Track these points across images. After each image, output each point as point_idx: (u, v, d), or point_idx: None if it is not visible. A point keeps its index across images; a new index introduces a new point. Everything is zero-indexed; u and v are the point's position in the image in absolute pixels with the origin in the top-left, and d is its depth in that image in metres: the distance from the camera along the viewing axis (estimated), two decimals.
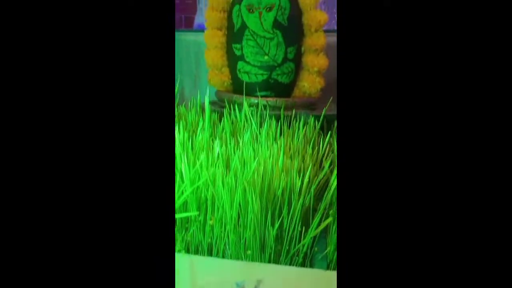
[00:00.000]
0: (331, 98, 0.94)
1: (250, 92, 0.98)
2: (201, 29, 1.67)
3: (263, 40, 0.95)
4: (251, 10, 0.94)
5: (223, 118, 0.84)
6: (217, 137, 0.73)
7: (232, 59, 1.00)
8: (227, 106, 0.92)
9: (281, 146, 0.68)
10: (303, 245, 0.62)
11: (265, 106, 0.93)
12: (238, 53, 0.97)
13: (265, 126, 0.74)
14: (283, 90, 1.01)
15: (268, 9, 0.93)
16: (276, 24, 0.95)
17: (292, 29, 0.97)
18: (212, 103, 1.04)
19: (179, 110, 0.92)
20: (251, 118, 0.80)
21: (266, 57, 0.96)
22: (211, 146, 0.69)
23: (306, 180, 0.63)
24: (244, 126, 0.82)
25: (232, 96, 0.97)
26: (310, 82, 1.01)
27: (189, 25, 2.16)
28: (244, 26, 0.96)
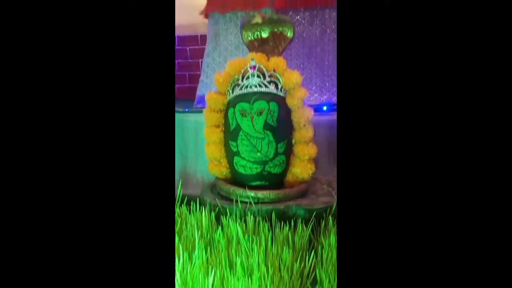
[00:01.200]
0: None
1: (246, 182, 1.10)
2: (201, 106, 1.78)
3: (255, 140, 1.06)
4: (244, 115, 1.05)
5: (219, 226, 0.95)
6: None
7: (229, 154, 1.12)
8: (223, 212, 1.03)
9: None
10: None
11: (258, 200, 1.04)
12: (234, 149, 1.09)
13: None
14: (276, 179, 1.12)
15: (259, 113, 1.04)
16: (267, 126, 1.06)
17: (281, 128, 1.08)
18: (211, 188, 1.16)
19: (181, 210, 1.04)
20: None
21: (259, 154, 1.07)
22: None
23: None
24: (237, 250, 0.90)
25: (230, 188, 1.08)
26: (302, 168, 1.12)
27: (193, 81, 2.28)
28: (238, 128, 1.07)
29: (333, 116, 1.37)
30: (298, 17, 1.72)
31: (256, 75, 1.05)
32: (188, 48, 2.67)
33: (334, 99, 1.75)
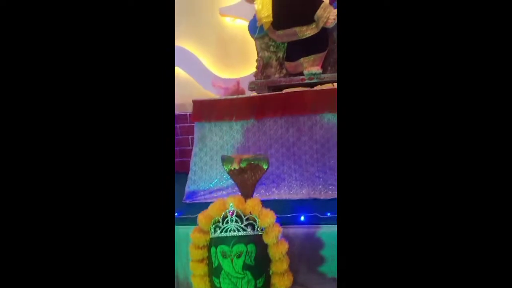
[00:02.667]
0: None
1: None
2: (190, 201, 1.90)
3: (236, 279, 1.17)
4: (224, 256, 1.17)
5: None
6: None
7: (213, 286, 1.22)
8: None
9: None
10: None
11: None
12: (217, 285, 1.20)
13: None
14: None
15: (238, 256, 1.17)
16: (245, 266, 1.17)
17: (259, 265, 1.19)
18: None
19: None
20: None
21: None
22: None
23: None
24: None
25: None
26: None
27: (184, 155, 2.38)
28: (220, 267, 1.19)
29: (311, 229, 1.49)
30: (277, 123, 1.89)
31: (234, 220, 1.18)
32: (178, 126, 2.83)
33: (313, 195, 1.89)
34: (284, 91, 1.89)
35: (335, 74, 1.89)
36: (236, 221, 1.19)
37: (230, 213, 1.18)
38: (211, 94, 2.74)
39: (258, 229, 1.21)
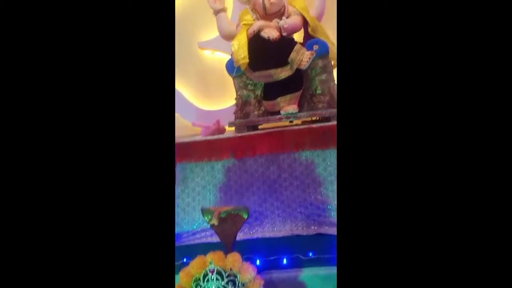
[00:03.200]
0: None
1: None
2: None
3: None
4: None
5: None
6: None
7: None
8: None
9: None
10: None
11: None
12: None
13: None
14: None
15: None
16: None
17: None
18: None
19: None
20: None
21: None
22: None
23: None
24: None
25: None
26: None
27: None
28: None
29: (293, 273, 1.52)
30: (257, 162, 1.92)
31: (215, 278, 1.20)
32: None
33: (296, 231, 1.91)
34: (263, 130, 1.92)
35: (311, 112, 1.94)
36: (217, 279, 1.20)
37: (211, 272, 1.20)
38: (193, 128, 2.76)
39: (240, 284, 1.23)
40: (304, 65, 1.80)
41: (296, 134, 1.81)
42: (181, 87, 2.85)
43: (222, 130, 2.10)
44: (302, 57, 1.80)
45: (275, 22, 1.92)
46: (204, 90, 2.82)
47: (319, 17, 2.09)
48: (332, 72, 2.00)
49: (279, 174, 1.89)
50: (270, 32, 1.83)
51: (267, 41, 1.83)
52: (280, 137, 1.83)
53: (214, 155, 1.88)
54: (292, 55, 1.79)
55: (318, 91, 1.99)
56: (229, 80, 2.43)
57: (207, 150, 1.89)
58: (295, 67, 1.80)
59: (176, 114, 2.79)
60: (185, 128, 2.65)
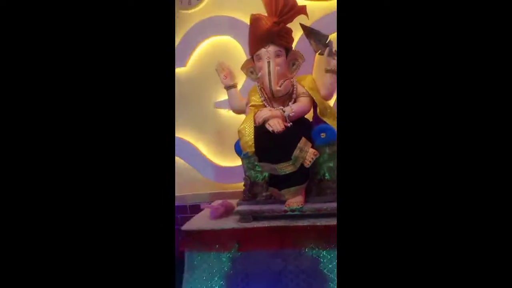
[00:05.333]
0: None
1: None
2: None
3: None
4: None
5: None
6: None
7: None
8: None
9: None
10: None
11: None
12: None
13: None
14: None
15: None
16: None
17: None
18: None
19: None
20: None
21: None
22: None
23: None
24: None
25: None
26: None
27: None
28: None
29: None
30: (262, 254, 1.91)
31: None
32: (179, 216, 2.91)
33: None
34: (268, 222, 1.91)
35: (317, 205, 1.89)
36: None
37: None
38: (209, 180, 2.80)
39: None
40: (308, 164, 1.74)
41: (300, 232, 1.77)
42: (197, 143, 2.90)
43: (231, 211, 2.11)
44: (305, 155, 1.75)
45: (280, 111, 1.87)
46: (219, 145, 2.84)
47: (329, 96, 2.01)
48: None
49: (285, 265, 1.87)
50: (275, 125, 1.79)
51: (271, 134, 1.79)
52: (284, 233, 1.80)
53: (220, 246, 1.91)
54: (296, 152, 1.75)
55: (327, 177, 1.93)
56: None
57: (214, 240, 1.91)
58: (298, 165, 1.76)
59: (192, 168, 2.89)
60: (202, 183, 2.72)
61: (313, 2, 2.36)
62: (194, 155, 2.91)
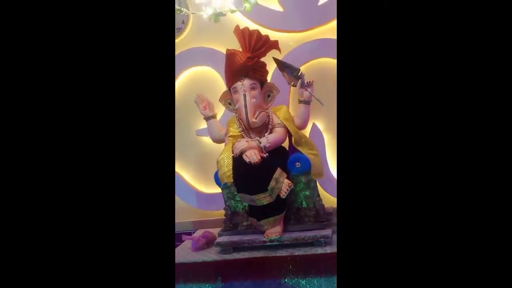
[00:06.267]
0: None
1: None
2: None
3: None
4: None
5: None
6: None
7: None
8: None
9: None
10: None
11: None
12: None
13: None
14: None
15: None
16: None
17: None
18: None
19: None
20: None
21: None
22: None
23: None
24: None
25: None
26: None
27: None
28: None
29: None
30: (244, 285, 1.93)
31: None
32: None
33: None
34: (249, 253, 1.93)
35: (295, 234, 1.92)
36: None
37: None
38: (191, 207, 2.80)
39: None
40: (283, 195, 1.79)
41: (281, 262, 1.80)
42: (181, 171, 2.93)
43: (212, 241, 2.13)
44: (281, 186, 1.80)
45: (257, 142, 1.92)
46: (202, 173, 2.87)
47: (303, 125, 2.07)
48: (316, 187, 1.98)
49: None
50: (252, 157, 1.83)
51: (248, 165, 1.84)
52: (264, 264, 1.83)
53: (203, 278, 1.92)
54: (272, 183, 1.79)
55: (304, 205, 1.97)
56: None
57: (196, 271, 1.93)
58: (274, 196, 1.80)
59: (176, 197, 2.89)
60: (184, 211, 2.72)
61: (285, 34, 2.45)
62: (177, 182, 2.93)
